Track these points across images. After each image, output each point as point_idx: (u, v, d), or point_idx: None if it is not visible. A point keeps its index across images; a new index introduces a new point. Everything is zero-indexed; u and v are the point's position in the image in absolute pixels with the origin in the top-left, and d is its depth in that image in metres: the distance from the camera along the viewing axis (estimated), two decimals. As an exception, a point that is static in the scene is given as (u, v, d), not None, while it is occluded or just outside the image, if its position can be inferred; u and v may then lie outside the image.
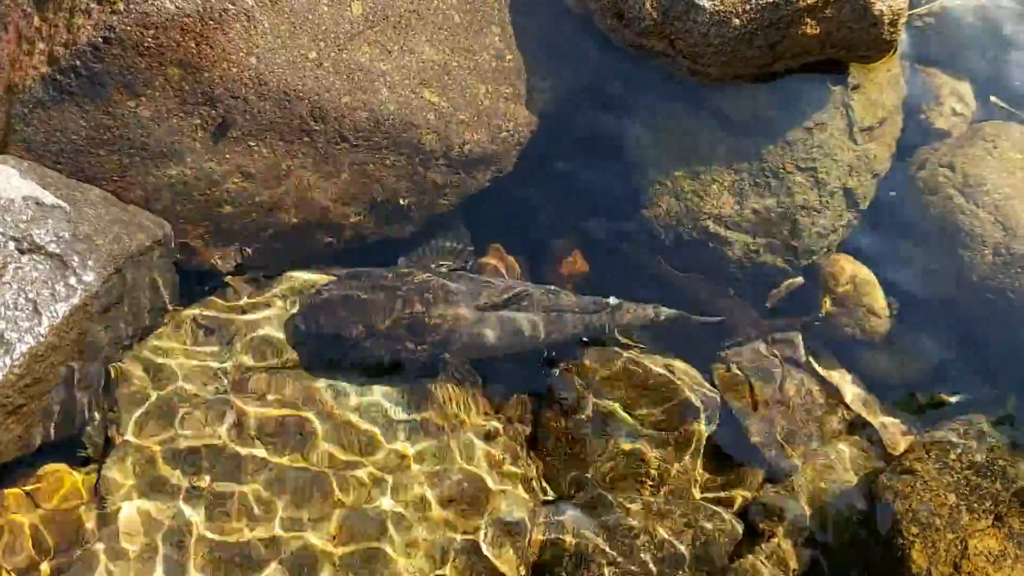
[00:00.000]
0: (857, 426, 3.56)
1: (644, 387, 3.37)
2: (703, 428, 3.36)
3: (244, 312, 3.36)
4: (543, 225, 3.89)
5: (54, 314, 2.83)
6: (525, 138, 3.70)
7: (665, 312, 3.53)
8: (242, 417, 3.14)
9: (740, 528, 3.24)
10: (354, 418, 3.19)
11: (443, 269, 3.56)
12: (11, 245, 2.87)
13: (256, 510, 3.02)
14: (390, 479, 3.10)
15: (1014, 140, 3.90)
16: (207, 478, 3.06)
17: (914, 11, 4.14)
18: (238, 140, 3.25)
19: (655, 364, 3.46)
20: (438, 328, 3.25)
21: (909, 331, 3.77)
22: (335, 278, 3.44)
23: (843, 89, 3.69)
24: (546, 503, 3.24)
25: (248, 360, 3.26)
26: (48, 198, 3.00)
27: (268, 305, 3.39)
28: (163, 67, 3.11)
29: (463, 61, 3.54)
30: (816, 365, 3.67)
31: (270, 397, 3.19)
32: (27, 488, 3.03)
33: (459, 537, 3.04)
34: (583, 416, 3.31)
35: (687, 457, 3.30)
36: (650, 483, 3.26)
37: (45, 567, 2.93)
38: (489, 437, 3.25)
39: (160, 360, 3.24)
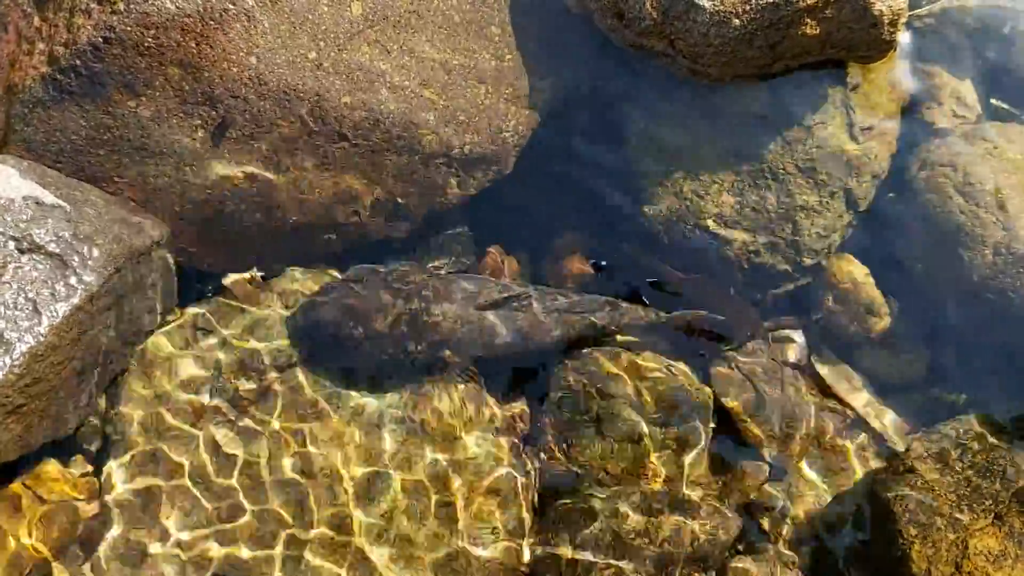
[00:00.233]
0: (857, 426, 3.56)
1: (644, 387, 3.37)
2: (703, 428, 3.36)
3: (244, 312, 3.36)
4: (543, 225, 3.88)
5: (54, 314, 2.83)
6: (525, 138, 3.70)
7: (666, 312, 3.53)
8: (243, 416, 3.14)
9: (738, 528, 3.23)
10: (354, 419, 3.19)
11: (443, 269, 3.56)
12: (11, 245, 2.87)
13: (256, 510, 3.02)
14: (389, 479, 3.10)
15: (1014, 140, 3.90)
16: (208, 474, 3.06)
17: (914, 11, 4.14)
18: (238, 140, 3.25)
19: (655, 364, 3.46)
20: (438, 328, 3.25)
21: (909, 331, 3.77)
22: (335, 278, 3.44)
23: (843, 89, 3.69)
24: (546, 502, 3.24)
25: (248, 361, 3.26)
26: (48, 198, 3.00)
27: (268, 305, 3.39)
28: (163, 67, 3.11)
29: (463, 61, 3.54)
30: (816, 364, 3.67)
31: (270, 398, 3.20)
32: (27, 488, 3.03)
33: (459, 537, 3.04)
34: (583, 415, 3.31)
35: (687, 457, 3.30)
36: (650, 482, 3.26)
37: (49, 564, 2.93)
38: (489, 436, 3.24)
39: (160, 360, 3.24)
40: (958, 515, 3.03)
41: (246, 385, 3.21)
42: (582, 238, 3.88)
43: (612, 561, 3.05)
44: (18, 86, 3.16)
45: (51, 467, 3.07)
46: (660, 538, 3.11)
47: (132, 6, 3.04)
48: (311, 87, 3.24)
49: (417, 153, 3.44)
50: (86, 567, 2.92)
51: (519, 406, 3.40)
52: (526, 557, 3.08)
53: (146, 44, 3.07)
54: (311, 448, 3.12)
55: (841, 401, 3.61)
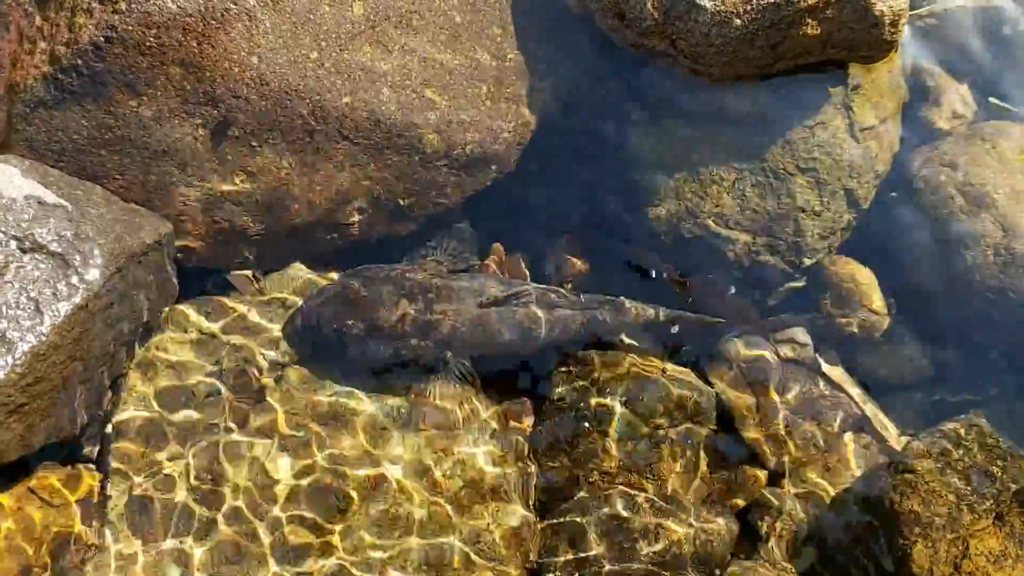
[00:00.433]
0: (857, 426, 3.56)
1: (644, 386, 3.37)
2: (703, 428, 3.37)
3: (246, 311, 3.36)
4: (543, 225, 3.89)
5: (56, 313, 2.83)
6: (526, 138, 3.70)
7: (666, 312, 3.54)
8: (243, 416, 3.15)
9: (738, 528, 3.24)
10: (354, 417, 3.19)
11: (444, 268, 3.57)
12: (13, 244, 2.87)
13: (257, 510, 3.02)
14: (389, 478, 3.10)
15: (1014, 140, 3.90)
16: (209, 475, 3.06)
17: (915, 11, 4.14)
18: (239, 140, 3.25)
19: (655, 364, 3.46)
20: (440, 325, 3.25)
21: (909, 331, 3.78)
22: (337, 277, 3.44)
23: (844, 89, 3.69)
24: (546, 503, 3.25)
25: (249, 359, 3.26)
26: (50, 197, 3.00)
27: (269, 303, 3.39)
28: (165, 67, 3.11)
29: (464, 61, 3.54)
30: (818, 364, 3.67)
31: (271, 396, 3.20)
32: (29, 488, 3.03)
33: (459, 537, 3.04)
34: (583, 415, 3.31)
35: (687, 457, 3.31)
36: (650, 483, 3.26)
37: (47, 567, 2.93)
38: (489, 435, 3.25)
39: (161, 359, 3.24)
40: (958, 515, 3.03)
41: (247, 383, 3.21)
42: (583, 238, 3.88)
43: (612, 562, 3.06)
44: (20, 85, 3.16)
45: (52, 467, 3.07)
46: (661, 539, 3.11)
47: (134, 5, 3.04)
48: (312, 87, 3.24)
49: (418, 153, 3.45)
50: (86, 567, 2.92)
51: (520, 405, 3.41)
52: (525, 559, 3.08)
53: (148, 44, 3.07)
54: (311, 447, 3.12)
55: (841, 401, 3.61)
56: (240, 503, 3.04)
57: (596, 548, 3.09)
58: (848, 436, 3.53)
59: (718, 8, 3.39)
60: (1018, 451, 3.23)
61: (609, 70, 3.76)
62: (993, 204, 3.71)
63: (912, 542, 3.00)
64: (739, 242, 3.66)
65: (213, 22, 3.11)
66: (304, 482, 3.07)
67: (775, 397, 3.52)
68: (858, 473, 3.41)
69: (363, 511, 3.05)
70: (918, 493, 3.10)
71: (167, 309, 3.33)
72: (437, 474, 3.14)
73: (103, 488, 3.05)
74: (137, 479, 3.06)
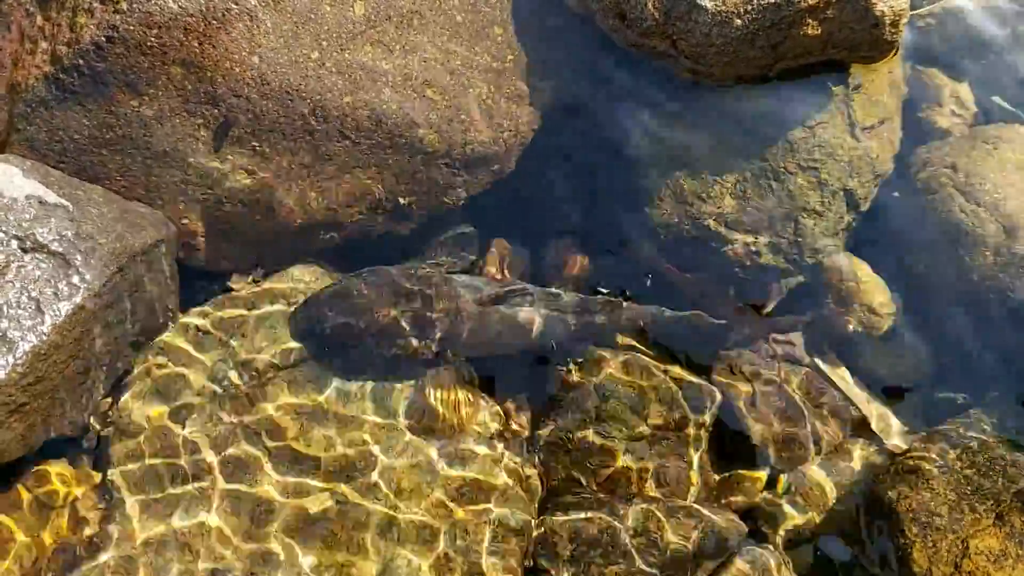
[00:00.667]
0: (858, 426, 3.57)
1: (645, 387, 3.37)
2: (703, 429, 3.37)
3: (247, 310, 3.36)
4: (543, 225, 3.89)
5: (57, 313, 2.83)
6: (527, 138, 3.71)
7: (666, 313, 3.53)
8: (244, 416, 3.15)
9: (738, 529, 3.24)
10: (355, 416, 3.19)
11: (444, 267, 3.57)
12: (14, 244, 2.87)
13: (257, 510, 3.02)
14: (390, 478, 3.11)
15: (1015, 141, 3.90)
16: (210, 478, 3.06)
17: (915, 12, 4.14)
18: (240, 139, 3.26)
19: (655, 364, 3.46)
20: (440, 323, 3.25)
21: (910, 331, 3.77)
22: (336, 277, 3.44)
23: (844, 89, 3.69)
24: (546, 503, 3.25)
25: (252, 359, 3.26)
26: (51, 197, 3.00)
27: (271, 303, 3.39)
28: (166, 66, 3.11)
29: (465, 61, 3.55)
30: (817, 365, 3.67)
31: (273, 396, 3.20)
32: (28, 488, 3.03)
33: (459, 537, 3.04)
34: (584, 415, 3.31)
35: (688, 457, 3.31)
36: (651, 483, 3.26)
37: (48, 567, 2.93)
38: (489, 435, 3.25)
39: (162, 359, 3.24)
40: (959, 515, 3.03)
41: (249, 383, 3.21)
42: (583, 238, 3.88)
43: (613, 562, 3.06)
44: (21, 85, 3.16)
45: (53, 467, 3.07)
46: (661, 539, 3.11)
47: (135, 5, 3.04)
48: (313, 87, 3.24)
49: (419, 153, 3.45)
50: (87, 568, 2.92)
51: (519, 404, 3.41)
52: (526, 559, 3.08)
53: (149, 43, 3.07)
54: (312, 446, 3.12)
55: (841, 401, 3.61)
56: (241, 503, 3.04)
57: (597, 549, 3.09)
58: (848, 436, 3.53)
59: (719, 8, 3.39)
60: (1018, 451, 3.24)
61: (610, 70, 3.77)
62: (994, 205, 3.71)
63: (912, 542, 3.00)
64: (740, 242, 3.67)
65: (214, 22, 3.11)
66: (305, 480, 3.07)
67: (775, 396, 3.52)
68: (858, 472, 3.41)
69: (363, 509, 3.05)
70: (918, 493, 3.10)
71: (168, 309, 3.33)
72: (437, 473, 3.14)
73: (103, 488, 3.05)
74: (139, 479, 3.06)
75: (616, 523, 3.12)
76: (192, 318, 3.34)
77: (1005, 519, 3.02)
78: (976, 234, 3.69)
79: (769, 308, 3.70)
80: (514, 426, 3.35)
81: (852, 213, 3.74)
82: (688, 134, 3.70)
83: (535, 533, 3.13)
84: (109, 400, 3.19)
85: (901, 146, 3.89)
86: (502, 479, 3.16)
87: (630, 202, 3.79)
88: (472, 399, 3.28)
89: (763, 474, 3.39)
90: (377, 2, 3.39)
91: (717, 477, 3.39)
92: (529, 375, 3.47)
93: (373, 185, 3.45)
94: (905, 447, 3.45)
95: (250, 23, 3.16)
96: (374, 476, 3.10)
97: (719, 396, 3.44)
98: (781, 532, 3.28)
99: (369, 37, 3.37)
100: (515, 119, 3.65)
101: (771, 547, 3.22)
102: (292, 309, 3.38)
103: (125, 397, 3.17)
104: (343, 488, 3.07)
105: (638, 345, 3.54)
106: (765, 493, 3.36)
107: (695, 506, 3.22)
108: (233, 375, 3.22)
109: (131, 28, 3.05)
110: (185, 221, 3.34)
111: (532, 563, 3.09)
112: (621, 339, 3.54)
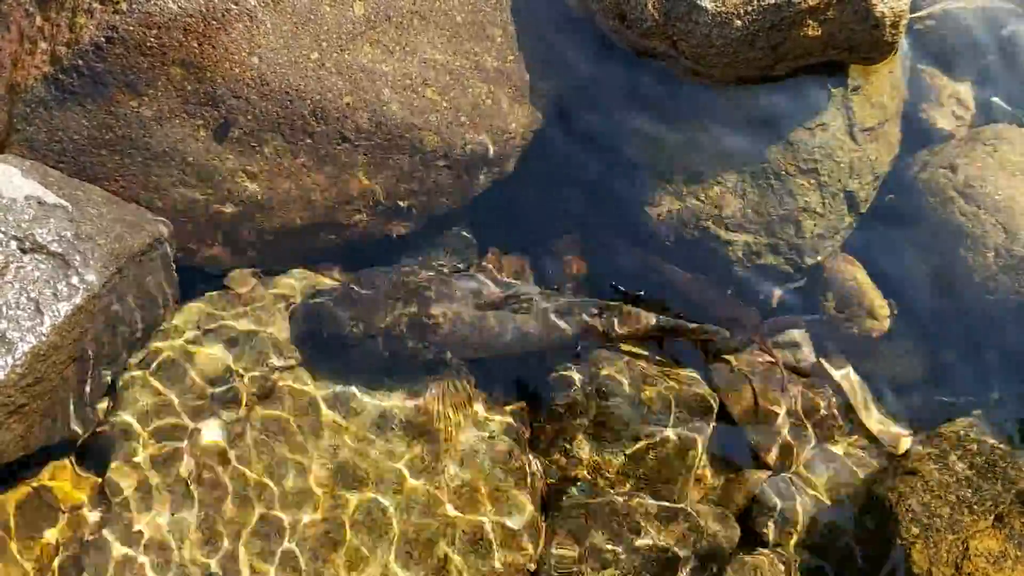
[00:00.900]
0: (858, 427, 3.57)
1: (644, 389, 3.37)
2: (704, 430, 3.36)
3: (245, 312, 3.36)
4: (543, 225, 3.89)
5: (56, 313, 2.83)
6: (527, 139, 3.71)
7: (665, 319, 3.52)
8: (244, 415, 3.15)
9: (739, 529, 3.24)
10: (354, 418, 3.19)
11: (444, 269, 3.57)
12: (13, 244, 2.87)
13: (257, 510, 3.02)
14: (389, 479, 3.11)
15: (1015, 142, 3.91)
16: (211, 474, 3.06)
17: (915, 13, 4.14)
18: (240, 140, 3.25)
19: (655, 366, 3.46)
20: (439, 327, 3.25)
21: (909, 332, 3.78)
22: (336, 279, 3.44)
23: (844, 91, 3.69)
24: (546, 503, 3.25)
25: (249, 360, 3.26)
26: (50, 197, 3.00)
27: (269, 304, 3.39)
28: (165, 67, 3.11)
29: (465, 62, 3.54)
30: (818, 365, 3.67)
31: (271, 397, 3.20)
32: (28, 488, 3.03)
33: (459, 538, 3.04)
34: (583, 417, 3.31)
35: (688, 459, 3.31)
36: (650, 484, 3.26)
37: (48, 567, 2.93)
38: (489, 437, 3.25)
39: (161, 359, 3.24)
40: (959, 516, 3.03)
41: (247, 385, 3.21)
42: (583, 239, 3.88)
43: (614, 562, 3.06)
44: (20, 85, 3.16)
45: (53, 468, 3.07)
46: (661, 540, 3.11)
47: (134, 6, 3.04)
48: (313, 87, 3.24)
49: (419, 153, 3.45)
50: (87, 568, 2.92)
51: (519, 407, 3.41)
52: (527, 559, 3.08)
53: (148, 44, 3.07)
54: (311, 448, 3.12)
55: (841, 402, 3.62)
56: (241, 502, 3.04)
57: (596, 549, 3.09)
58: (848, 437, 3.54)
59: (719, 9, 3.39)
60: (1018, 452, 3.24)
61: (610, 71, 3.77)
62: (994, 206, 3.71)
63: (912, 542, 3.00)
64: (740, 243, 3.67)
65: (214, 22, 3.11)
66: (304, 482, 3.07)
67: (775, 398, 3.52)
68: (858, 473, 3.41)
69: (363, 510, 3.05)
70: (918, 494, 3.10)
71: (168, 309, 3.33)
72: (437, 475, 3.13)
73: (103, 488, 3.05)
74: (139, 479, 3.06)
75: (617, 523, 3.12)
76: (191, 318, 3.34)
77: (1005, 520, 3.02)
78: (976, 235, 3.69)
79: (781, 328, 3.71)
80: (514, 425, 3.35)
81: (852, 214, 3.74)
82: (688, 135, 3.70)
83: (536, 532, 3.13)
84: (109, 400, 3.19)
85: (901, 147, 3.89)
86: (502, 481, 3.16)
87: (630, 203, 3.79)
88: (471, 400, 3.28)
89: (764, 474, 3.39)
90: (377, 2, 3.39)
91: (718, 477, 3.39)
92: (528, 376, 3.47)
93: (373, 186, 3.45)
94: (904, 448, 3.45)
95: (250, 23, 3.15)
96: (373, 477, 3.10)
97: (718, 399, 3.44)
98: (780, 535, 3.28)
99: (369, 38, 3.36)
100: (515, 120, 3.65)
101: (768, 551, 3.22)
102: (291, 310, 3.38)
103: (125, 397, 3.17)
104: (342, 490, 3.07)
105: (638, 346, 3.53)
106: (765, 493, 3.36)
107: (696, 506, 3.23)
108: (231, 376, 3.22)
109: (131, 28, 3.04)
110: (184, 222, 3.34)
111: (533, 561, 3.09)
112: (621, 340, 3.54)
